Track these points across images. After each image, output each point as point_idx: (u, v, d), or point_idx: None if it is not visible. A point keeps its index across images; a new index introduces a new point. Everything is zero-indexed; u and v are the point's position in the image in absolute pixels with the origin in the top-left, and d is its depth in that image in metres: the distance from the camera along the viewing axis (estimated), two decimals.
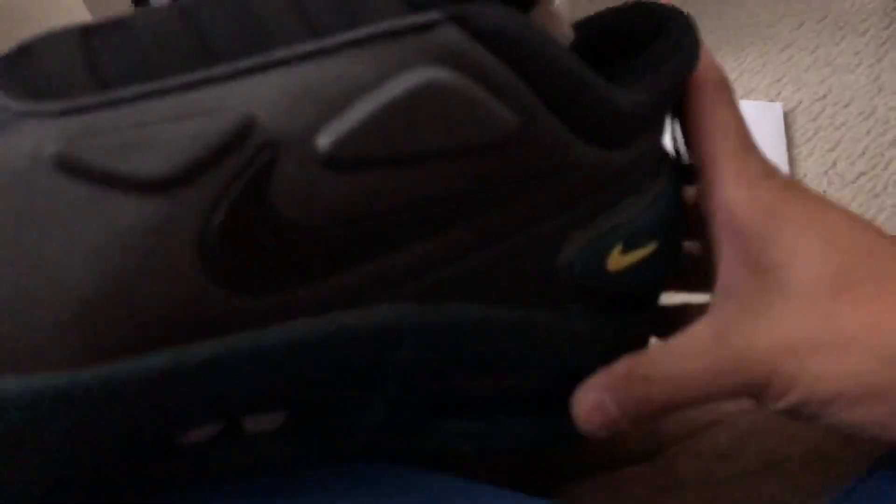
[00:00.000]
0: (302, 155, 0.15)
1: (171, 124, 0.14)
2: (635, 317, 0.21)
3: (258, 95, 0.15)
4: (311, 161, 0.15)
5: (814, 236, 0.18)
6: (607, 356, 0.20)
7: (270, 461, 0.19)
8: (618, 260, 0.19)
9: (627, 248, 0.19)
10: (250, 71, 0.15)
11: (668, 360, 0.19)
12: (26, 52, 0.16)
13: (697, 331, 0.19)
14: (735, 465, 0.25)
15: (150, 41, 0.16)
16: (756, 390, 0.18)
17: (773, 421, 0.26)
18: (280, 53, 0.15)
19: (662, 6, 0.20)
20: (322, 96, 0.15)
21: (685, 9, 0.82)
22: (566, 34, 0.18)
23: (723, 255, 0.19)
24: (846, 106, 0.66)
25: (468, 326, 0.18)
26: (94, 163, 0.14)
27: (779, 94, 0.66)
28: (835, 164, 0.62)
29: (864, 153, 0.63)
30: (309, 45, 0.15)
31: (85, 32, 0.16)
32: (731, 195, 0.18)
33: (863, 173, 0.62)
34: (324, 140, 0.15)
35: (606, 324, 0.20)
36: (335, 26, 0.16)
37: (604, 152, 0.18)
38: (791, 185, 0.19)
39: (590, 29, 0.21)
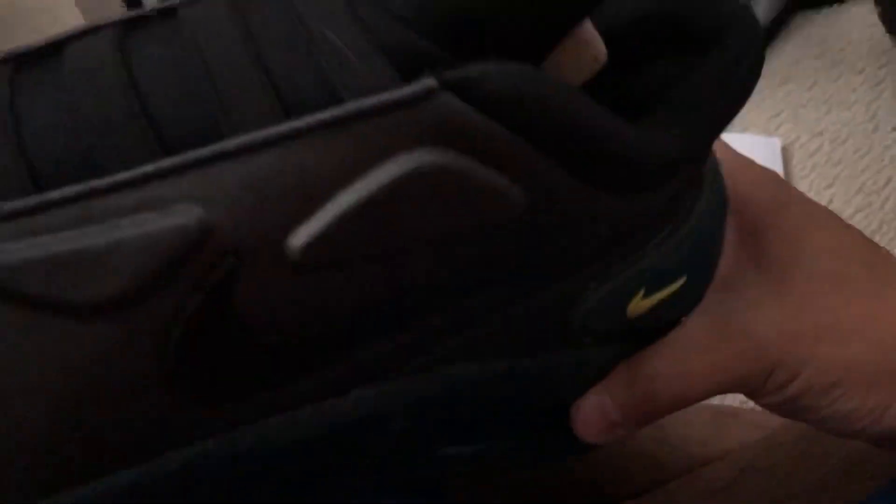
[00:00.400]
0: (269, 261, 0.13)
1: (115, 232, 0.12)
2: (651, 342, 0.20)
3: (216, 193, 0.13)
4: (280, 267, 0.13)
5: (814, 235, 0.18)
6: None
7: None
8: (639, 305, 0.18)
9: (650, 292, 0.18)
10: (206, 161, 0.12)
11: (669, 354, 0.18)
12: None
13: (697, 323, 0.19)
14: (736, 500, 0.24)
15: (88, 112, 0.13)
16: (758, 381, 0.18)
17: (776, 457, 0.25)
18: (242, 139, 0.12)
19: (730, 2, 0.17)
20: (293, 191, 0.13)
21: None
22: (599, 59, 0.15)
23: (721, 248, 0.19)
24: (843, 142, 0.66)
25: (462, 389, 0.17)
26: (29, 288, 0.12)
27: (777, 128, 0.66)
28: (832, 200, 0.62)
29: (860, 190, 0.63)
30: (278, 128, 0.12)
31: (13, 86, 0.13)
32: (734, 191, 0.19)
33: (859, 210, 0.62)
34: (294, 242, 0.13)
35: (621, 354, 0.19)
36: (310, 100, 0.13)
37: (630, 198, 0.16)
38: (790, 187, 0.20)
39: (627, 19, 0.17)
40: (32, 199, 0.12)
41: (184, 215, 0.12)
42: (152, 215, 0.12)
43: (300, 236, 0.13)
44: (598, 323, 0.17)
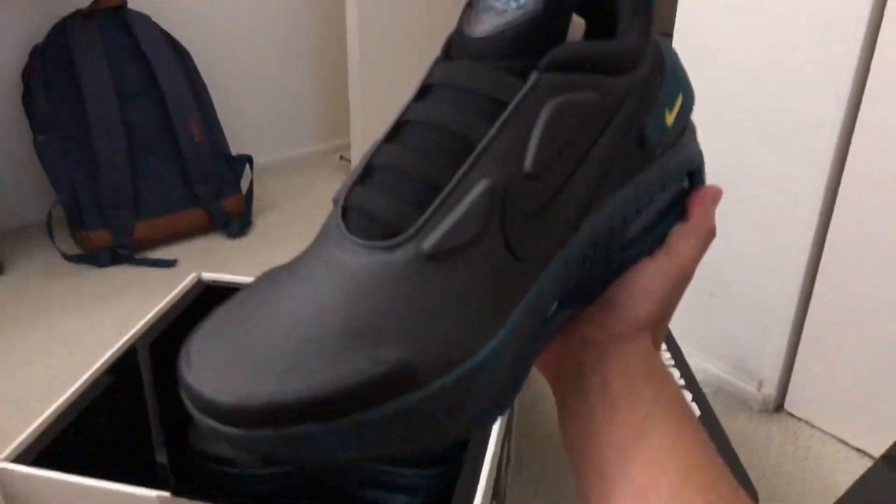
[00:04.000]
0: (519, 181, 0.27)
1: (460, 211, 0.26)
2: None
3: (489, 169, 0.27)
4: (524, 181, 0.27)
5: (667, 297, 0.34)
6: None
7: (563, 322, 0.33)
8: (669, 117, 0.33)
9: (671, 108, 0.33)
10: (477, 160, 0.27)
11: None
12: (359, 210, 0.27)
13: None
14: None
15: (415, 172, 0.28)
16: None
17: None
18: (483, 142, 0.27)
19: None
20: (515, 150, 0.27)
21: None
22: (582, 25, 0.29)
23: (653, 261, 0.34)
24: None
25: (618, 206, 0.32)
26: (443, 247, 0.26)
27: None
28: None
29: None
30: (493, 130, 0.27)
31: (380, 186, 0.27)
32: (681, 253, 0.34)
33: None
34: (526, 168, 0.27)
35: (677, 153, 0.35)
36: (492, 110, 0.28)
37: (639, 73, 0.30)
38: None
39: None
40: (424, 218, 0.26)
41: (480, 189, 0.26)
42: (464, 193, 0.26)
43: (526, 164, 0.27)
44: (656, 134, 0.32)
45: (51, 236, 1.39)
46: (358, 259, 0.26)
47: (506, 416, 0.62)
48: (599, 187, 0.30)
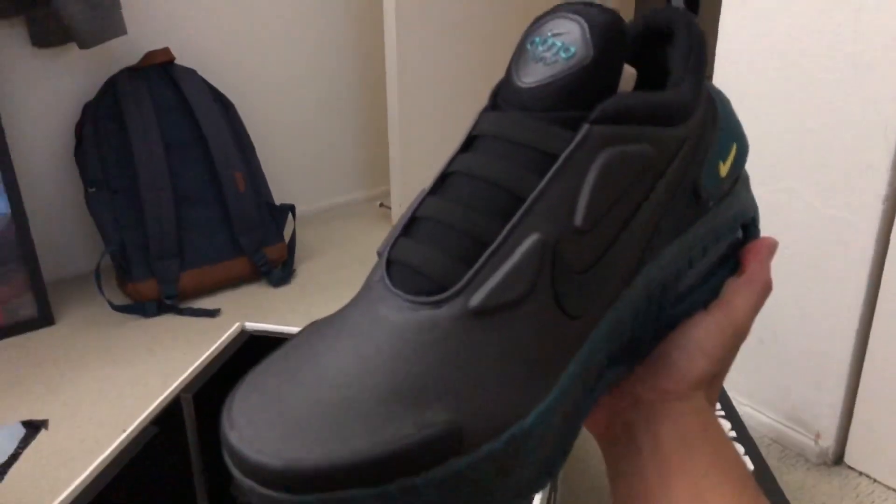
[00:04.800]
0: (569, 235, 0.26)
1: (509, 265, 0.26)
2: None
3: (539, 223, 0.27)
4: (574, 235, 0.27)
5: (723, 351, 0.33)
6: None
7: (613, 383, 0.32)
8: (723, 168, 0.33)
9: (724, 158, 0.33)
10: (527, 213, 0.27)
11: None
12: (404, 265, 0.27)
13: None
14: None
15: (463, 226, 0.27)
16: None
17: None
18: (533, 195, 0.27)
19: (667, 9, 0.33)
20: (565, 202, 0.27)
21: None
22: (634, 76, 0.29)
23: (708, 315, 0.33)
24: None
25: (672, 258, 0.31)
26: (492, 304, 0.25)
27: None
28: None
29: None
30: (543, 182, 0.27)
31: (428, 240, 0.27)
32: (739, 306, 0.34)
33: None
34: (577, 222, 0.27)
35: (730, 204, 0.34)
36: (541, 162, 0.28)
37: (689, 123, 0.30)
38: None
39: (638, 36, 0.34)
40: (471, 273, 0.26)
41: (531, 243, 0.26)
42: (513, 247, 0.26)
43: (577, 218, 0.26)
44: (710, 186, 0.32)
45: (99, 287, 1.42)
46: (403, 315, 0.25)
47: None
48: (652, 241, 0.30)
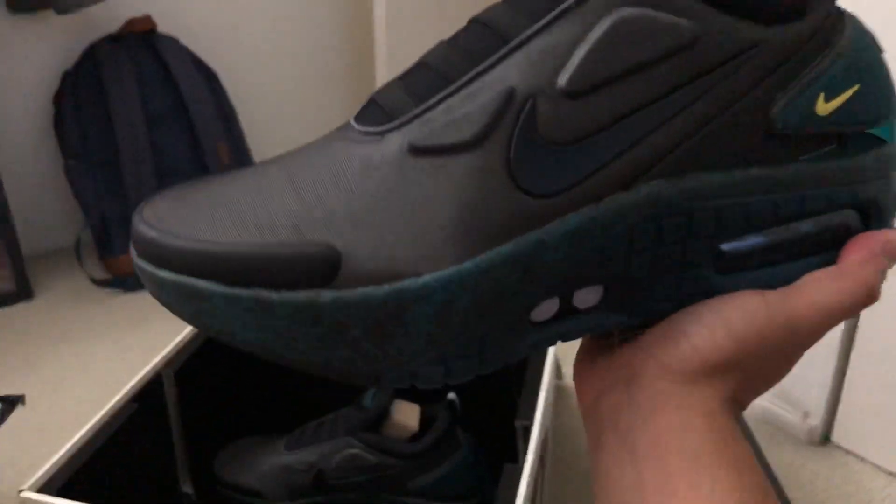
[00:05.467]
0: (550, 95, 0.22)
1: (466, 108, 0.22)
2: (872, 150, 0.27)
3: (513, 72, 0.23)
4: (557, 97, 0.22)
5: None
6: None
7: (600, 329, 0.25)
8: (824, 106, 0.25)
9: (830, 96, 0.25)
10: (503, 57, 0.23)
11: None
12: (371, 101, 0.25)
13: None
14: None
15: (436, 64, 0.24)
16: None
17: None
18: (517, 40, 0.23)
19: None
20: (552, 55, 0.22)
21: None
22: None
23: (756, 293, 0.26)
24: None
25: (710, 191, 0.24)
26: (431, 143, 0.22)
27: None
28: None
29: None
30: (533, 28, 0.23)
31: (401, 77, 0.24)
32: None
33: None
34: (561, 81, 0.22)
35: (834, 153, 0.26)
36: (543, 10, 0.23)
37: (777, 29, 0.24)
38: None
39: None
40: (418, 108, 0.23)
41: (498, 88, 0.22)
42: (482, 93, 0.22)
43: (562, 76, 0.22)
44: (793, 121, 0.25)
45: (79, 261, 1.39)
46: (349, 147, 0.23)
47: (538, 448, 0.60)
48: (676, 151, 0.24)
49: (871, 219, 0.27)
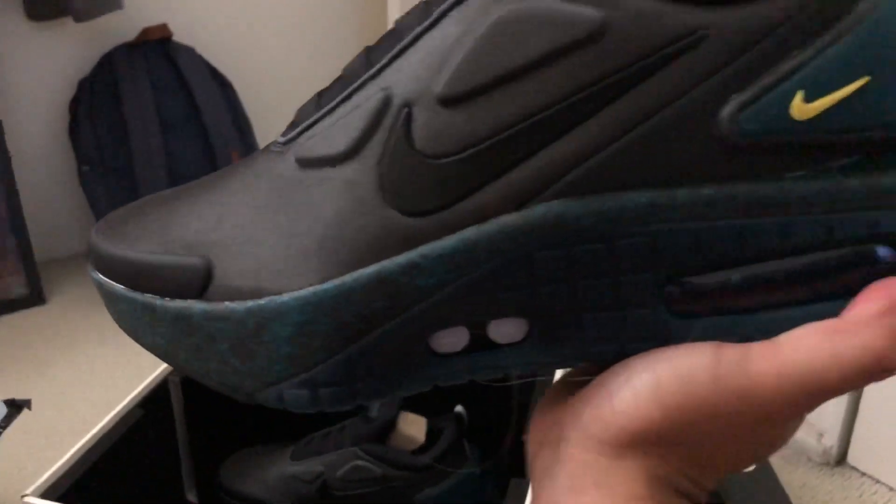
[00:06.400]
0: (427, 103, 0.20)
1: (347, 117, 0.21)
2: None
3: (393, 77, 0.21)
4: (434, 105, 0.20)
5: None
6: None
7: (519, 369, 0.22)
8: (804, 108, 0.19)
9: (814, 94, 0.19)
10: (392, 61, 0.21)
11: None
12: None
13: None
14: None
15: (346, 71, 0.23)
16: None
17: None
18: (406, 41, 0.21)
19: None
20: (431, 58, 0.20)
21: None
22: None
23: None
24: None
25: (638, 214, 0.20)
26: (312, 154, 0.22)
27: None
28: None
29: None
30: (422, 26, 0.21)
31: (319, 95, 0.23)
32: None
33: None
34: (437, 87, 0.20)
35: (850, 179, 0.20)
36: (438, 5, 0.21)
37: (729, 11, 0.18)
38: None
39: None
40: (314, 117, 0.22)
41: (377, 95, 0.21)
42: (363, 102, 0.21)
43: (439, 81, 0.20)
44: (753, 124, 0.19)
45: None
46: (265, 161, 0.23)
47: None
48: (586, 165, 0.20)
49: None
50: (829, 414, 0.94)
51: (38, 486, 0.56)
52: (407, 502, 0.67)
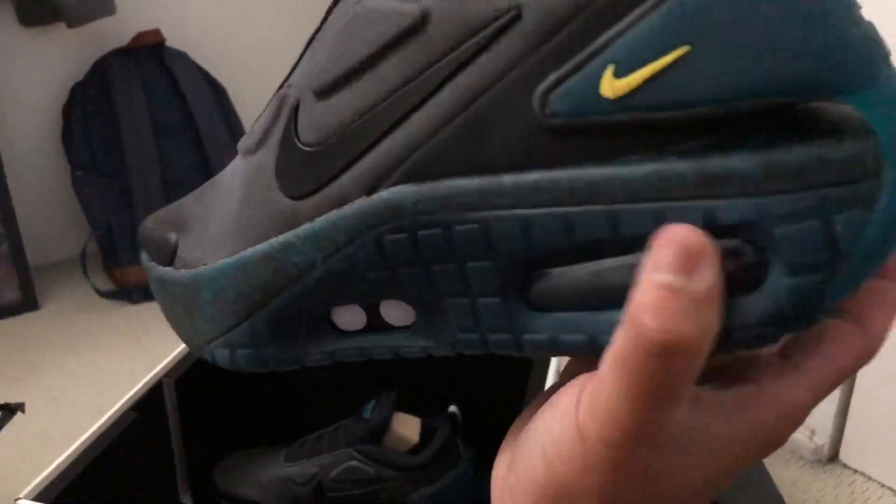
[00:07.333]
0: (307, 96, 0.22)
1: (265, 113, 0.24)
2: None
3: (295, 75, 0.24)
4: (311, 98, 0.22)
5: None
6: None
7: (410, 352, 0.23)
8: (614, 84, 0.18)
9: (625, 70, 0.17)
10: (295, 66, 0.24)
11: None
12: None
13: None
14: None
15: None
16: None
17: None
18: (306, 44, 0.23)
19: None
20: (312, 55, 0.23)
21: None
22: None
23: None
24: None
25: (468, 200, 0.20)
26: (244, 145, 0.25)
27: None
28: None
29: None
30: (314, 30, 0.23)
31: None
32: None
33: None
34: (313, 81, 0.22)
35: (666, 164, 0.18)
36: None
37: None
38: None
39: None
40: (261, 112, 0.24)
41: (280, 93, 0.24)
42: (275, 97, 0.24)
43: (314, 76, 0.22)
44: (564, 104, 0.18)
45: (85, 272, 1.40)
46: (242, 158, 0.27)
47: None
48: (421, 151, 0.20)
49: (770, 266, 0.17)
50: (821, 412, 0.94)
51: (32, 489, 0.56)
52: (401, 502, 0.68)
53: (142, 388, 0.68)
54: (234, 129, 1.55)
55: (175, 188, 1.45)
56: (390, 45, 0.20)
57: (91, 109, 1.42)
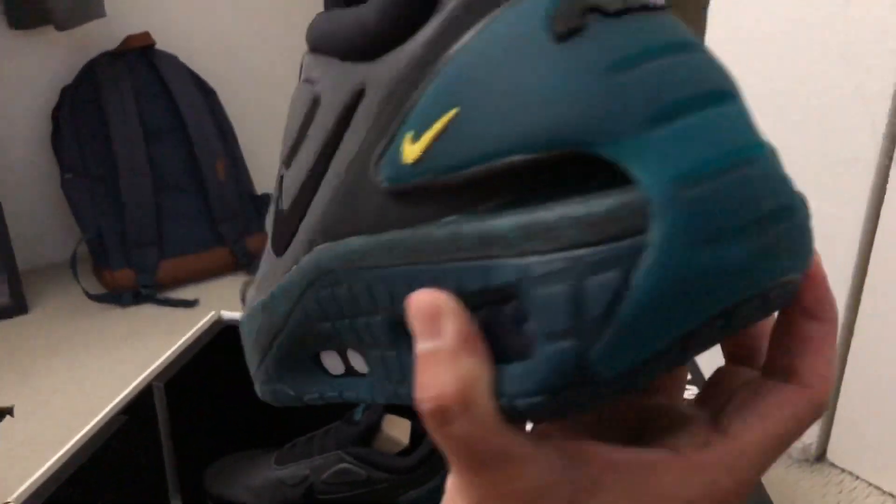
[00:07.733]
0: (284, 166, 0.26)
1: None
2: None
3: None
4: (283, 167, 0.25)
5: None
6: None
7: (368, 400, 0.23)
8: (411, 149, 0.18)
9: (419, 133, 0.18)
10: None
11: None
12: None
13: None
14: None
15: None
16: None
17: None
18: None
19: None
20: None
21: None
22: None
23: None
24: None
25: (355, 258, 0.21)
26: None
27: None
28: None
29: None
30: None
31: None
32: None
33: None
34: (283, 151, 0.25)
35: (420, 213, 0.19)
36: None
37: (386, 57, 0.19)
38: None
39: None
40: None
41: (280, 170, 0.26)
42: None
43: (284, 150, 0.25)
44: (387, 170, 0.19)
45: (75, 275, 1.39)
46: None
47: None
48: (326, 214, 0.22)
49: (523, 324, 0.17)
50: None
51: (22, 493, 0.56)
52: None
53: (132, 391, 0.68)
54: (224, 131, 1.55)
55: (165, 191, 1.45)
56: (304, 123, 0.23)
57: (81, 112, 1.42)
